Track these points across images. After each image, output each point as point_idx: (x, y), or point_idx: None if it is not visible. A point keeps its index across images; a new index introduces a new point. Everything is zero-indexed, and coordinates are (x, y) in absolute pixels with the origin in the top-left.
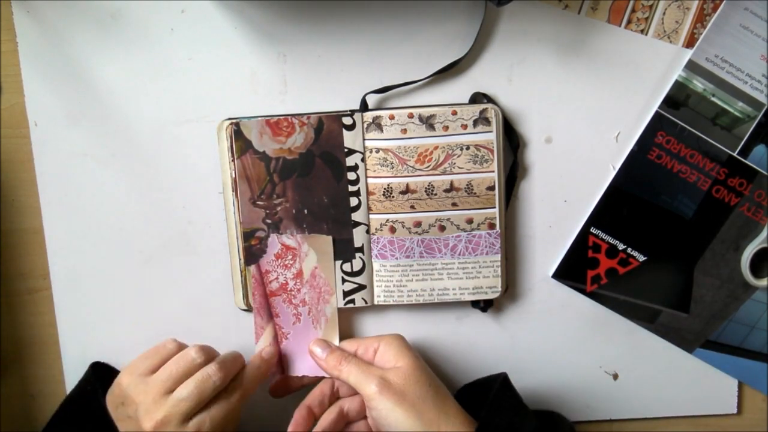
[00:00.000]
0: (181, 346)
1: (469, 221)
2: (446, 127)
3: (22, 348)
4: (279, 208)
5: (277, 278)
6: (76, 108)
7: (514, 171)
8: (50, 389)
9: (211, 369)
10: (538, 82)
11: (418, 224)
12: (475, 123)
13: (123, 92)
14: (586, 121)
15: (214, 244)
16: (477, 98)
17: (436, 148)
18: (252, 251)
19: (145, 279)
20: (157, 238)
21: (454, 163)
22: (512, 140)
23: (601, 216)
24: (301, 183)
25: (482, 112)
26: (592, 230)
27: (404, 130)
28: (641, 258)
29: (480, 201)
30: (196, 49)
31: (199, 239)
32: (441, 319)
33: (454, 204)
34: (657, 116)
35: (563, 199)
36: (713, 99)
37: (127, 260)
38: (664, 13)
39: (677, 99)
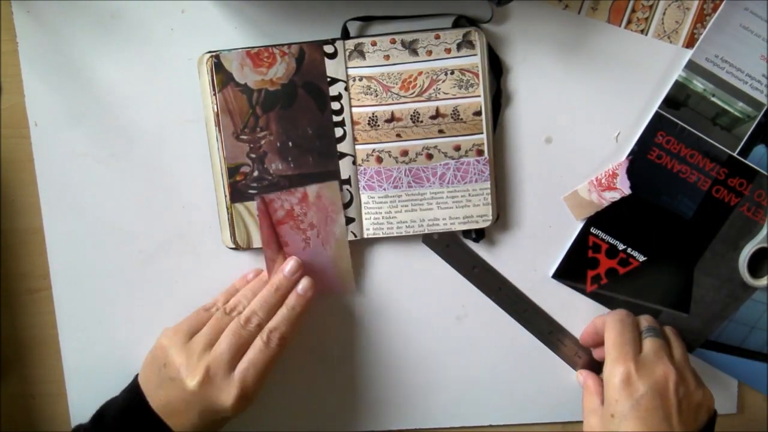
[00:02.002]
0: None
1: (457, 148)
2: (429, 52)
3: (22, 348)
4: (263, 142)
5: (282, 206)
6: (76, 108)
7: (498, 98)
8: (50, 389)
9: (243, 318)
10: (539, 82)
11: (405, 153)
12: (459, 47)
13: (123, 92)
14: (586, 121)
15: (214, 244)
16: (460, 23)
17: (420, 73)
18: (237, 187)
19: (145, 279)
20: (157, 238)
21: (439, 89)
22: (495, 67)
23: (601, 216)
24: (285, 115)
25: (466, 35)
26: (592, 230)
27: (387, 57)
28: (641, 258)
29: (467, 127)
30: (196, 49)
31: (199, 239)
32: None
33: (440, 131)
34: (657, 116)
35: (563, 199)
36: (713, 99)
37: (127, 260)
38: (664, 13)
39: (677, 99)
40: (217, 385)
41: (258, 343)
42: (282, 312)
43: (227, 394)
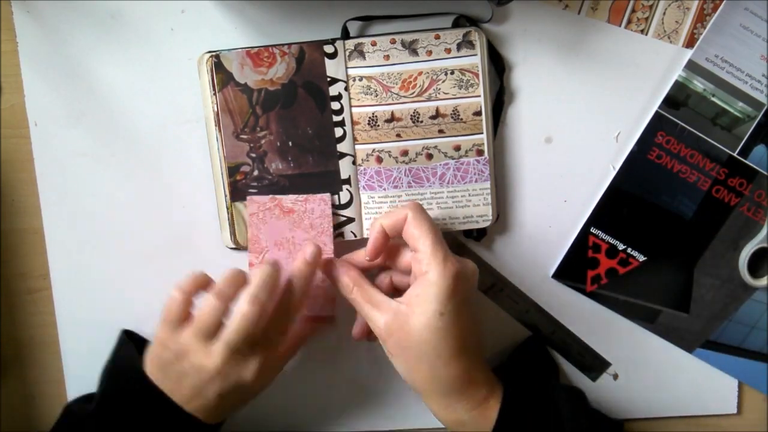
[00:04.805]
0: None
1: (457, 148)
2: (429, 52)
3: (22, 348)
4: (263, 141)
5: (272, 210)
6: (76, 108)
7: (501, 96)
8: (50, 390)
9: (247, 294)
10: (538, 82)
11: (405, 153)
12: (459, 47)
13: (123, 92)
14: (586, 121)
15: (214, 244)
16: (460, 22)
17: (420, 73)
18: (237, 187)
19: (145, 279)
20: (157, 238)
21: (439, 89)
22: (497, 65)
23: (601, 216)
24: (285, 115)
25: (466, 35)
26: (592, 230)
27: (387, 57)
28: (641, 258)
29: (467, 127)
30: (196, 49)
31: (199, 239)
32: None
33: (440, 131)
34: (657, 116)
35: (563, 199)
36: (713, 99)
37: (127, 260)
38: (664, 13)
39: (677, 99)
40: (237, 365)
41: (279, 316)
42: (295, 283)
43: (247, 372)
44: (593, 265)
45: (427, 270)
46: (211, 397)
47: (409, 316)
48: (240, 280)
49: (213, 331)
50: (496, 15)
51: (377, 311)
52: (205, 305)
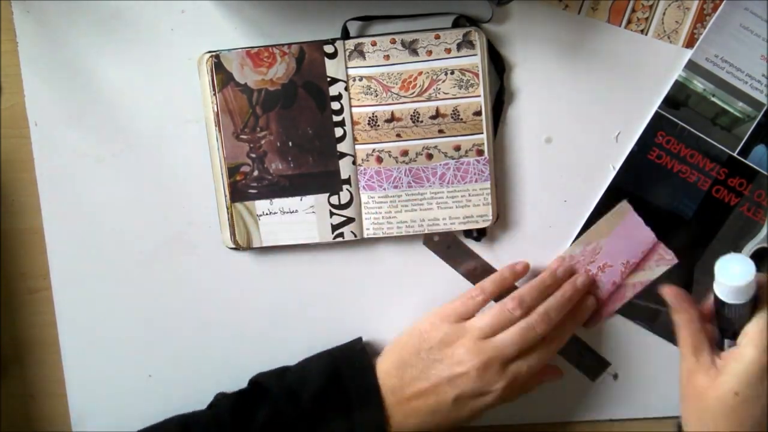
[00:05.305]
0: (486, 300)
1: (457, 148)
2: (429, 52)
3: (22, 348)
4: (263, 141)
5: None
6: (76, 108)
7: (501, 96)
8: (50, 389)
9: (534, 320)
10: (538, 82)
11: (405, 153)
12: (459, 47)
13: (123, 92)
14: (586, 121)
15: (214, 244)
16: (460, 22)
17: (420, 73)
18: (237, 187)
19: (145, 279)
20: (157, 238)
21: (439, 89)
22: (498, 65)
23: (601, 216)
24: (285, 115)
25: (466, 35)
26: None
27: (387, 57)
28: None
29: (467, 127)
30: (196, 49)
31: (199, 239)
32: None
33: (440, 131)
34: (657, 116)
35: (563, 199)
36: (713, 99)
37: (127, 260)
38: (664, 13)
39: (677, 99)
40: (490, 374)
41: (541, 349)
42: (567, 323)
43: (495, 385)
44: None
45: (745, 345)
46: (447, 399)
47: (708, 377)
48: (543, 292)
49: (492, 334)
50: (496, 15)
51: (691, 352)
52: (499, 311)
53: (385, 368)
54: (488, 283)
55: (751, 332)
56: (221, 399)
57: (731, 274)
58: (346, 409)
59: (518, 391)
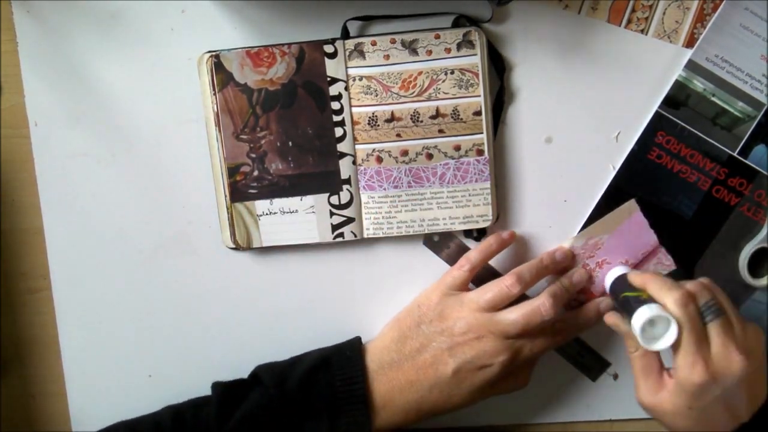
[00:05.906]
0: (472, 269)
1: (457, 148)
2: (429, 52)
3: (22, 348)
4: (263, 141)
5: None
6: (76, 108)
7: (501, 96)
8: (50, 389)
9: (543, 303)
10: (538, 82)
11: (405, 153)
12: (459, 46)
13: (123, 92)
14: (586, 121)
15: (214, 244)
16: (460, 22)
17: (420, 73)
18: (237, 187)
19: (145, 279)
20: (157, 238)
21: (439, 89)
22: (498, 65)
23: (601, 216)
24: (285, 115)
25: (466, 35)
26: None
27: (387, 56)
28: None
29: (467, 127)
30: (196, 49)
31: (199, 239)
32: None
33: (440, 131)
34: (657, 116)
35: (563, 199)
36: (713, 99)
37: (127, 260)
38: (664, 13)
39: (677, 99)
40: (489, 345)
41: (546, 337)
42: (579, 316)
43: (496, 358)
44: None
45: (680, 367)
46: (447, 371)
47: (658, 398)
48: (541, 271)
49: (490, 308)
50: (496, 15)
51: (641, 376)
52: (497, 285)
53: (383, 344)
54: (474, 252)
55: (679, 350)
56: (216, 385)
57: (652, 337)
58: (331, 395)
59: (512, 384)
